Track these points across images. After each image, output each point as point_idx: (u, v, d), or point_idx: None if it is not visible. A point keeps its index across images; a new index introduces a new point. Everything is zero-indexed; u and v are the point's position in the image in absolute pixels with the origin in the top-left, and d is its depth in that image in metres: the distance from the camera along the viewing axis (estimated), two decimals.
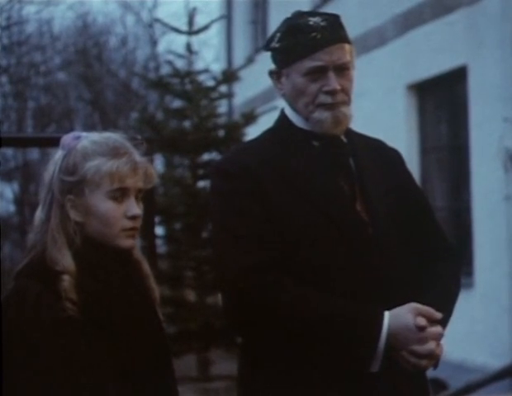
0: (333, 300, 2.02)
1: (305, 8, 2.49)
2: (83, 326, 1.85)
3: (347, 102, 2.17)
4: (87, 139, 1.97)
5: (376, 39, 9.87)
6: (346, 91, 2.16)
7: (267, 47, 2.24)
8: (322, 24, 2.14)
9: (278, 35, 2.19)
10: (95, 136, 1.99)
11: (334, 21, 2.18)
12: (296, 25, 2.16)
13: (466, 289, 7.97)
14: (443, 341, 2.06)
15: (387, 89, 9.60)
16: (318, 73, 2.13)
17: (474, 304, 7.98)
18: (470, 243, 8.19)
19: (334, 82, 2.12)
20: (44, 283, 1.86)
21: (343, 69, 2.15)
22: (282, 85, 2.21)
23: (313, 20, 2.15)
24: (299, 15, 2.21)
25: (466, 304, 7.77)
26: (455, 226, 8.76)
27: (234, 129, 7.95)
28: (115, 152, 1.94)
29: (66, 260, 1.88)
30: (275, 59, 2.22)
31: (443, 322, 2.05)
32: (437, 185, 9.20)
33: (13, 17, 17.79)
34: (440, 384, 8.05)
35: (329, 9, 10.53)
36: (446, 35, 8.50)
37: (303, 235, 2.08)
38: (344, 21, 2.23)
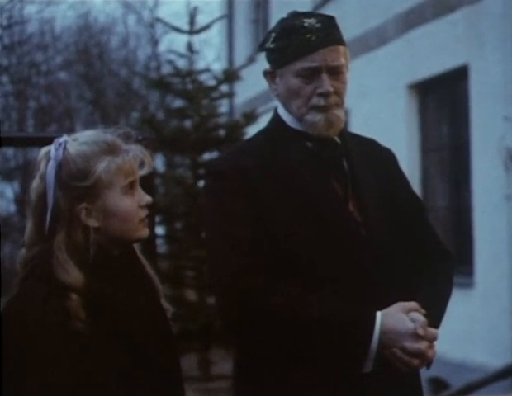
0: (325, 301, 2.02)
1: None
2: (91, 334, 1.83)
3: (340, 104, 2.17)
4: (75, 142, 1.92)
5: (377, 38, 9.87)
6: (339, 94, 2.16)
7: (261, 47, 2.25)
8: (317, 26, 2.14)
9: (273, 35, 2.19)
10: (82, 137, 1.94)
11: (329, 23, 2.17)
12: (290, 27, 2.16)
13: (467, 288, 7.96)
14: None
15: (388, 89, 9.60)
16: (311, 75, 2.13)
17: (474, 304, 7.97)
18: (470, 243, 8.19)
19: (327, 85, 2.12)
20: (51, 287, 1.83)
21: (336, 71, 2.15)
22: (276, 85, 2.21)
23: (308, 21, 2.15)
24: (294, 16, 2.21)
25: (466, 304, 7.77)
26: (456, 225, 8.75)
27: (235, 128, 7.96)
28: (113, 148, 1.92)
29: (72, 276, 1.84)
30: (269, 60, 2.23)
31: (436, 323, 2.05)
32: (437, 184, 9.20)
33: (14, 17, 17.82)
34: (441, 384, 8.06)
35: (329, 8, 10.52)
36: (447, 35, 8.49)
37: (295, 236, 2.07)
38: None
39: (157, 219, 6.97)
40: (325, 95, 2.13)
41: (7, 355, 1.79)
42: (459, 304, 7.59)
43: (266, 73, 2.24)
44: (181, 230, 7.88)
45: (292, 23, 2.17)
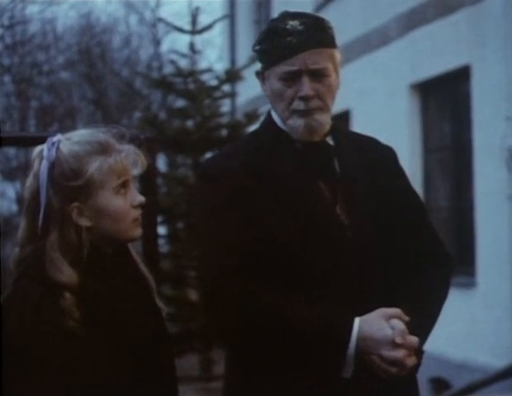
0: (304, 306, 2.00)
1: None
2: (85, 332, 1.83)
3: (323, 108, 2.13)
4: (68, 141, 1.93)
5: (379, 38, 9.86)
6: (322, 98, 2.12)
7: (253, 48, 2.23)
8: (299, 28, 2.10)
9: (261, 36, 2.18)
10: (75, 137, 1.94)
11: (314, 25, 2.12)
12: (274, 29, 2.14)
13: (469, 289, 7.96)
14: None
15: (390, 89, 9.60)
16: (292, 79, 2.10)
17: (476, 304, 7.97)
18: (472, 243, 8.18)
19: (306, 88, 2.09)
20: (45, 286, 1.84)
21: (319, 75, 2.11)
22: (266, 86, 2.20)
23: (291, 23, 2.11)
24: (282, 17, 2.17)
25: (468, 304, 7.77)
26: (458, 226, 8.75)
27: (237, 128, 7.96)
28: (106, 147, 1.92)
29: (66, 275, 1.84)
30: (259, 60, 2.21)
31: (420, 331, 2.01)
32: (439, 184, 9.19)
33: (16, 17, 17.82)
34: (442, 384, 8.06)
35: (331, 9, 10.52)
36: (449, 35, 8.49)
37: (280, 239, 2.05)
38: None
39: (159, 218, 6.97)
40: (305, 99, 2.10)
41: (4, 355, 1.79)
42: (461, 305, 7.59)
43: (257, 74, 2.23)
44: (183, 230, 7.88)
45: (276, 25, 2.14)
